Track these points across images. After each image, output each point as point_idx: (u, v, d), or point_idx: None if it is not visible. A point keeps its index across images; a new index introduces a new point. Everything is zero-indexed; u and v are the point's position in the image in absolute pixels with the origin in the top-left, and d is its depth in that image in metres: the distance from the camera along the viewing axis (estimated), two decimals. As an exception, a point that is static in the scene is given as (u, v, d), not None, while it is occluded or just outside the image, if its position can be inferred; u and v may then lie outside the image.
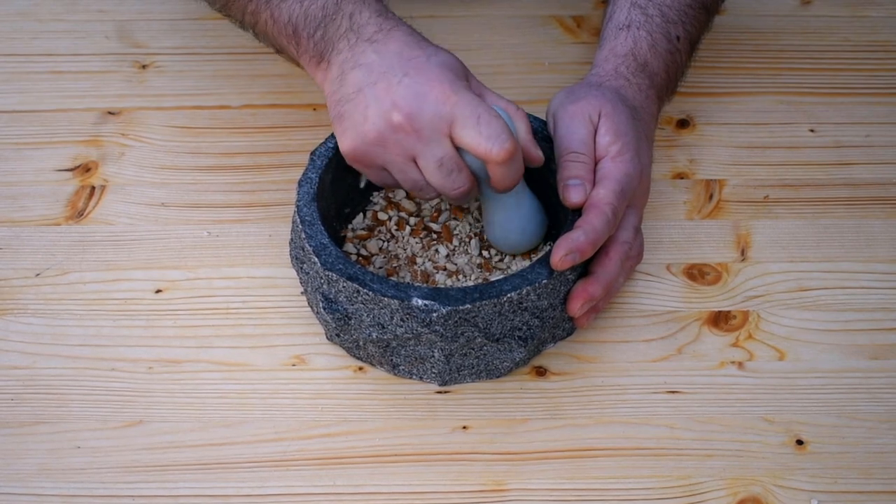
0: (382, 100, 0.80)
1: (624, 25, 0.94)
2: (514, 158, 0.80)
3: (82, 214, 0.95)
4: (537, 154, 0.85)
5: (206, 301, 0.90)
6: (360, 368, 0.86)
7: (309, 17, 0.84)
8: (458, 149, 0.80)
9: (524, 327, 0.82)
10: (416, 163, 0.81)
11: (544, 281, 0.80)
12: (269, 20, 0.86)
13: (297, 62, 0.88)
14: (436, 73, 0.80)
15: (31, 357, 0.87)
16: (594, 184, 0.84)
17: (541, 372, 0.86)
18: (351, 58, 0.82)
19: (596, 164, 0.85)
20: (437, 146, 0.80)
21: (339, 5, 0.83)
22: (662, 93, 0.94)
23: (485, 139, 0.78)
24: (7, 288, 0.91)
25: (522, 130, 0.84)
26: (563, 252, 0.80)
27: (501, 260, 0.90)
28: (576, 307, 0.83)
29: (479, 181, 0.83)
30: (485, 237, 0.91)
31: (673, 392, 0.85)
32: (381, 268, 0.89)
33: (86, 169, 0.99)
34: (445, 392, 0.85)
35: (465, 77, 0.82)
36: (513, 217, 0.87)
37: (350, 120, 0.81)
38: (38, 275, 0.91)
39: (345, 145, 0.82)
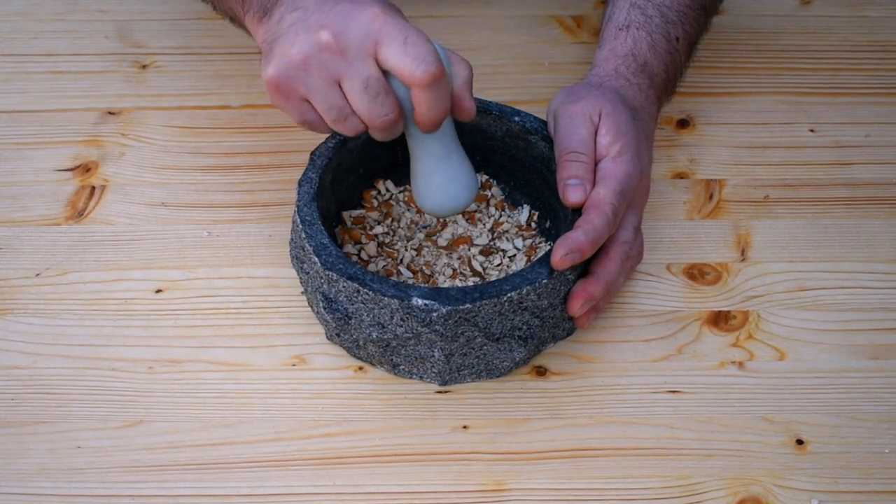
0: (312, 26, 0.77)
1: (624, 26, 0.94)
2: (440, 84, 0.76)
3: (82, 214, 0.95)
4: (470, 104, 0.81)
5: (206, 301, 0.90)
6: (360, 368, 0.86)
7: None
8: (385, 74, 0.77)
9: (524, 327, 0.82)
10: (340, 87, 0.78)
11: (544, 280, 0.80)
12: None
13: (242, 25, 0.86)
14: (370, 1, 0.77)
15: (31, 357, 0.87)
16: (594, 184, 0.84)
17: (541, 372, 0.86)
18: (291, 3, 0.80)
19: (596, 164, 0.85)
20: (362, 65, 0.76)
21: None
22: (662, 93, 0.94)
23: (410, 59, 0.75)
24: (7, 288, 0.91)
25: (460, 77, 0.80)
26: (564, 252, 0.80)
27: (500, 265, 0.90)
28: (576, 307, 0.83)
29: (405, 121, 0.80)
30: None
31: (673, 392, 0.85)
32: (381, 268, 0.89)
33: (86, 169, 0.99)
34: (445, 392, 0.85)
35: (400, 13, 0.79)
36: (438, 170, 0.83)
37: (278, 49, 0.78)
38: (38, 275, 0.91)
39: (268, 72, 0.78)
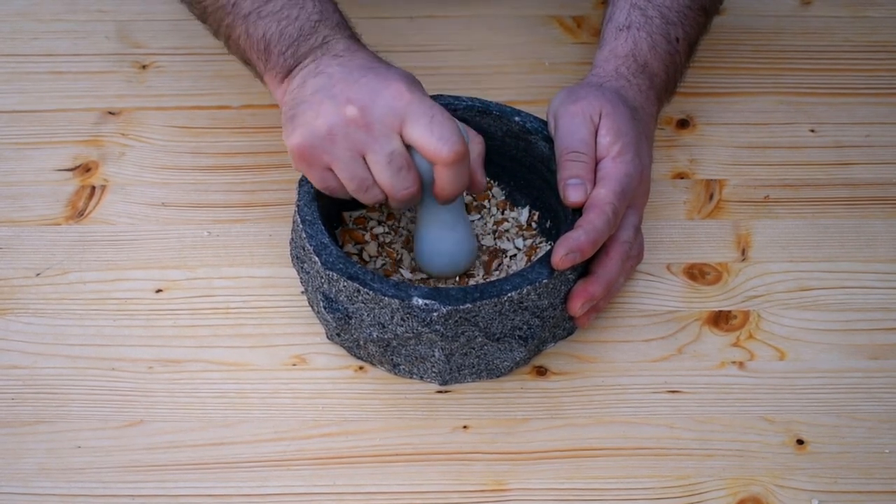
0: (338, 97, 0.79)
1: (624, 26, 0.94)
2: (463, 162, 0.79)
3: (82, 214, 0.95)
4: (481, 180, 0.85)
5: (206, 301, 0.90)
6: (361, 368, 0.86)
7: (284, 35, 0.84)
8: (408, 149, 0.80)
9: (525, 327, 0.82)
10: (364, 159, 0.80)
11: (545, 280, 0.80)
12: (244, 35, 0.87)
13: (260, 77, 0.88)
14: (394, 76, 0.80)
15: (31, 357, 0.87)
16: (595, 183, 0.84)
17: (541, 371, 0.86)
18: (315, 68, 0.82)
19: (596, 163, 0.85)
20: (387, 141, 0.79)
21: (315, 28, 0.84)
22: (662, 94, 0.94)
23: (436, 138, 0.78)
24: (7, 288, 0.91)
25: (475, 152, 0.84)
26: (564, 251, 0.80)
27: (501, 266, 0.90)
28: (576, 307, 0.83)
29: (423, 190, 0.83)
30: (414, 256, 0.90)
31: (673, 392, 0.85)
32: (380, 267, 0.89)
33: (86, 169, 0.99)
34: (446, 392, 0.85)
35: (422, 89, 0.82)
36: (445, 237, 0.86)
37: (302, 117, 0.80)
38: (38, 275, 0.91)
39: (293, 141, 0.81)
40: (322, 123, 0.79)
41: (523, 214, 0.93)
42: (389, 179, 0.80)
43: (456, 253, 0.87)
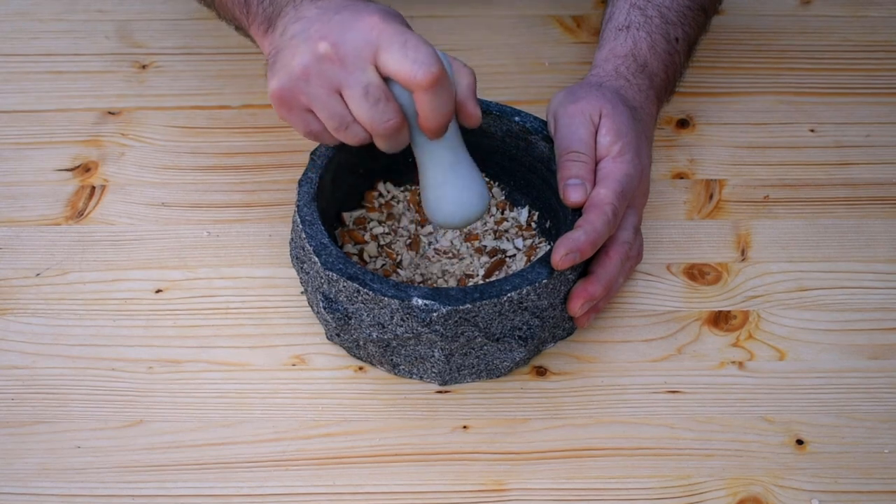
0: (312, 37, 0.77)
1: (623, 26, 0.94)
2: (442, 85, 0.76)
3: (82, 214, 0.95)
4: (475, 110, 0.80)
5: (206, 301, 0.90)
6: (360, 368, 0.86)
7: None
8: (386, 81, 0.77)
9: (524, 327, 0.82)
10: (341, 95, 0.78)
11: (544, 280, 0.80)
12: None
13: (248, 34, 0.87)
14: (370, 10, 0.77)
15: (31, 357, 0.87)
16: (595, 184, 0.84)
17: (541, 372, 0.86)
18: (294, 14, 0.80)
19: (596, 164, 0.85)
20: (361, 73, 0.76)
21: None
22: (661, 93, 0.94)
23: (410, 61, 0.75)
24: (7, 288, 0.91)
25: (463, 83, 0.80)
26: (564, 251, 0.80)
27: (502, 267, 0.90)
28: (576, 307, 0.83)
29: (411, 130, 0.79)
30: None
31: (673, 392, 0.85)
32: (380, 267, 0.89)
33: (86, 169, 0.99)
34: (445, 392, 0.85)
35: (401, 20, 0.79)
36: (448, 180, 0.81)
37: (280, 61, 0.78)
38: (38, 275, 0.91)
39: (271, 85, 0.78)
40: (297, 64, 0.77)
41: (523, 214, 0.93)
42: (368, 112, 0.77)
43: (463, 195, 0.82)
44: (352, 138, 0.79)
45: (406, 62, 0.74)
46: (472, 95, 0.80)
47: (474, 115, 0.80)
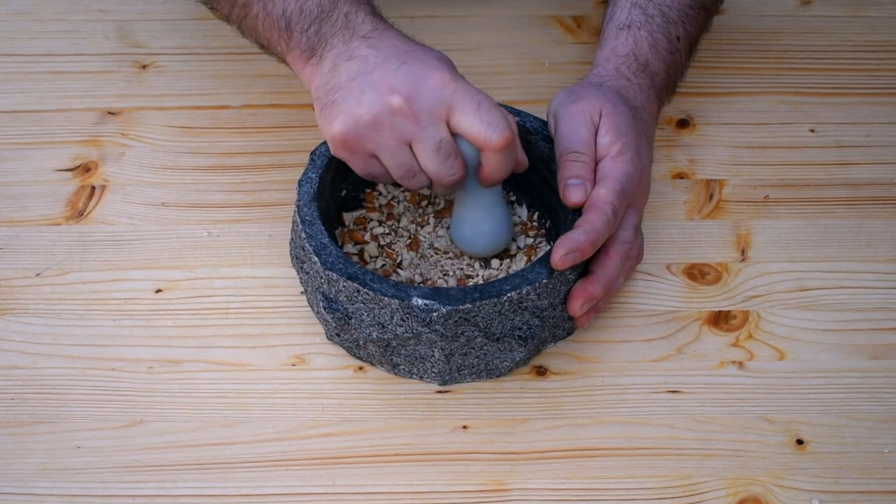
0: (380, 85, 0.79)
1: (625, 25, 0.94)
2: (512, 147, 0.80)
3: (82, 214, 0.95)
4: (524, 158, 0.85)
5: (206, 301, 0.90)
6: (360, 368, 0.86)
7: (304, 12, 0.84)
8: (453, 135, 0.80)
9: (524, 327, 0.82)
10: (410, 147, 0.80)
11: (544, 280, 0.80)
12: (262, 13, 0.86)
13: (282, 58, 0.87)
14: (433, 62, 0.80)
15: (31, 357, 0.87)
16: (595, 183, 0.84)
17: (541, 372, 0.86)
18: (345, 51, 0.81)
19: (596, 163, 0.85)
20: (434, 130, 0.79)
21: (335, 3, 0.83)
22: (663, 93, 0.94)
23: (485, 125, 0.78)
24: (7, 288, 0.91)
25: (514, 131, 0.83)
26: (564, 251, 0.80)
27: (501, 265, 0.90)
28: (576, 306, 0.83)
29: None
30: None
31: (673, 392, 0.85)
32: (380, 267, 0.89)
33: (86, 169, 0.99)
34: (445, 392, 0.85)
35: (458, 72, 0.82)
36: (486, 218, 0.87)
37: (343, 105, 0.80)
38: (38, 275, 0.91)
39: (336, 129, 0.81)
40: (366, 112, 0.79)
41: (523, 214, 0.93)
42: (437, 167, 0.80)
43: (496, 231, 0.87)
44: (414, 185, 0.83)
45: (482, 126, 0.79)
46: (519, 143, 0.84)
47: (524, 162, 0.85)
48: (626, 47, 0.92)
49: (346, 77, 0.80)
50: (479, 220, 0.87)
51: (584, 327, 0.87)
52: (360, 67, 0.80)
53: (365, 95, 0.79)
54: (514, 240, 0.91)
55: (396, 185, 0.92)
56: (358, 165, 0.83)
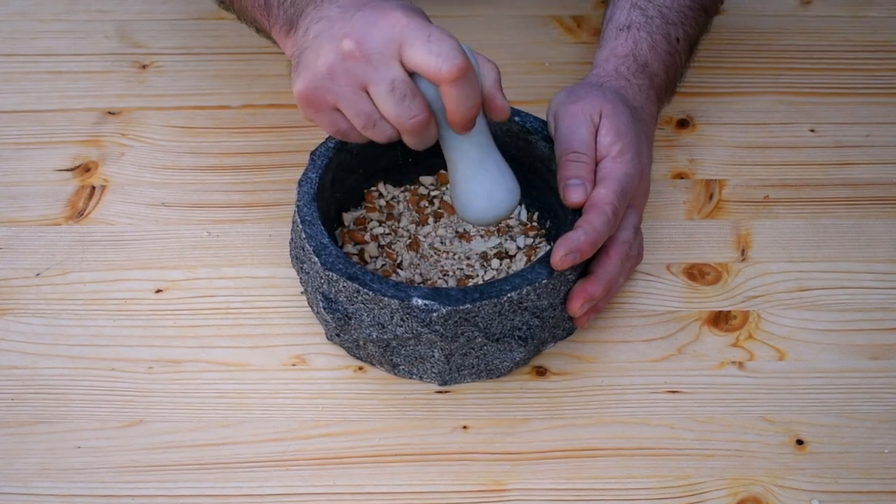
0: (336, 35, 0.77)
1: (624, 26, 0.94)
2: (467, 78, 0.75)
3: (82, 214, 0.95)
4: (503, 103, 0.79)
5: (206, 301, 0.90)
6: (360, 368, 0.86)
7: None
8: (412, 77, 0.77)
9: (524, 327, 0.82)
10: (367, 93, 0.77)
11: (544, 281, 0.80)
12: None
13: (269, 37, 0.87)
14: (392, 6, 0.77)
15: (31, 357, 0.87)
16: (595, 184, 0.84)
17: (541, 372, 0.86)
18: (315, 14, 0.80)
19: (596, 164, 0.85)
20: (387, 69, 0.76)
21: None
22: (662, 94, 0.94)
23: (434, 55, 0.74)
24: (7, 288, 0.91)
25: (489, 77, 0.79)
26: (564, 252, 0.80)
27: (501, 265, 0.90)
28: (576, 307, 0.83)
29: (438, 126, 0.79)
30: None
31: (673, 392, 0.85)
32: (380, 268, 0.89)
33: (86, 169, 0.99)
34: (445, 392, 0.85)
35: (423, 16, 0.78)
36: (477, 175, 0.81)
37: (304, 62, 0.78)
38: (38, 275, 0.91)
39: (297, 86, 0.78)
40: (322, 63, 0.77)
41: (523, 214, 0.93)
42: (395, 108, 0.76)
43: (494, 191, 0.81)
44: (380, 135, 0.79)
45: (430, 56, 0.74)
46: (498, 88, 0.79)
47: (503, 107, 0.80)
48: (625, 48, 0.92)
49: (312, 35, 0.78)
50: (470, 178, 0.81)
51: (584, 327, 0.87)
52: (325, 25, 0.78)
53: (322, 48, 0.77)
54: (519, 204, 0.86)
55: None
56: (324, 122, 0.80)
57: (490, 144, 0.81)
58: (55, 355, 0.87)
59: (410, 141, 0.79)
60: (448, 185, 0.85)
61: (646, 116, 0.90)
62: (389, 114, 0.77)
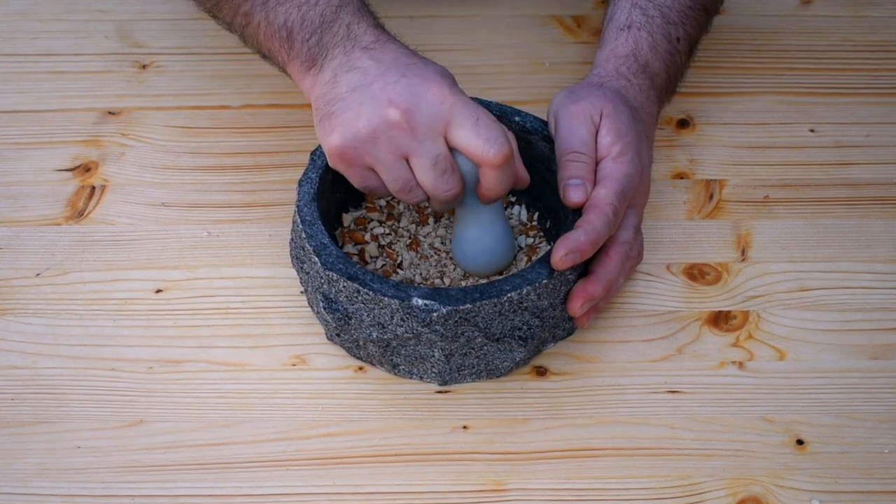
0: (378, 97, 0.78)
1: (625, 26, 0.94)
2: (510, 164, 0.79)
3: (82, 214, 0.95)
4: (526, 175, 0.85)
5: (206, 301, 0.90)
6: (360, 368, 0.86)
7: (306, 21, 0.84)
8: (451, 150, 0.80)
9: (524, 327, 0.82)
10: (407, 162, 0.80)
11: (544, 280, 0.80)
12: (263, 22, 0.86)
13: (283, 68, 0.87)
14: (433, 76, 0.79)
15: (31, 357, 0.87)
16: (595, 184, 0.84)
17: (541, 372, 0.86)
18: (346, 62, 0.81)
19: (597, 164, 0.85)
20: (432, 144, 0.79)
21: (337, 14, 0.83)
22: (662, 94, 0.94)
23: (483, 140, 0.78)
24: (7, 288, 0.91)
25: (513, 148, 0.83)
26: (564, 251, 0.80)
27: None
28: (576, 307, 0.83)
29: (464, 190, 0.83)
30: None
31: (673, 392, 0.85)
32: (380, 268, 0.89)
33: (86, 169, 0.99)
34: (445, 392, 0.85)
35: (459, 87, 0.81)
36: (486, 235, 0.86)
37: (341, 117, 0.80)
38: (38, 275, 0.91)
39: (333, 141, 0.80)
40: (364, 126, 0.79)
41: (523, 214, 0.93)
42: (433, 182, 0.80)
43: (496, 251, 0.86)
44: (412, 199, 0.82)
45: (479, 140, 0.78)
46: (520, 160, 0.84)
47: (524, 178, 0.85)
48: (626, 48, 0.92)
49: (346, 88, 0.80)
50: (480, 238, 0.86)
51: (584, 327, 0.87)
52: (360, 79, 0.80)
53: (363, 108, 0.79)
54: (514, 260, 0.90)
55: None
56: (355, 178, 0.82)
57: (501, 209, 0.86)
58: (55, 355, 0.87)
59: (437, 206, 0.83)
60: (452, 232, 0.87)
61: (646, 116, 0.90)
62: (427, 185, 0.80)
